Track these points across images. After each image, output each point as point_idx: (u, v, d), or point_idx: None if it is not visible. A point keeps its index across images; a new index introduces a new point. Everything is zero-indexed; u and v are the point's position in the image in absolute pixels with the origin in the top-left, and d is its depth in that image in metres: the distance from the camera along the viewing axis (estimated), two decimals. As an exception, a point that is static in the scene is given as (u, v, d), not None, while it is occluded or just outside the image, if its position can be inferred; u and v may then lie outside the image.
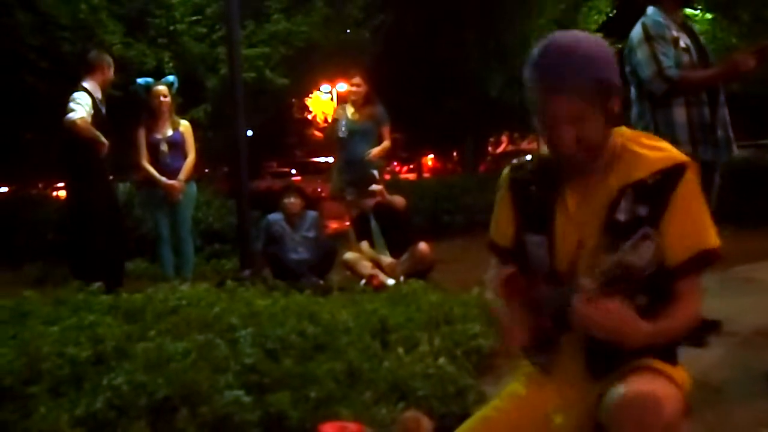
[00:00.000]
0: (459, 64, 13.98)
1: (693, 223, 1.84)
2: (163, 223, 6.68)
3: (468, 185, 12.38)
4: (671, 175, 1.83)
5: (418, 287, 5.09)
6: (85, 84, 6.18)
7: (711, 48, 4.43)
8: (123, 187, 8.32)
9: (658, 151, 1.87)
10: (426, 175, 24.10)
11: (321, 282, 6.49)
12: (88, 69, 6.29)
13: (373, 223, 6.83)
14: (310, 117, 25.98)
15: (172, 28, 9.08)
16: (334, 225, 10.58)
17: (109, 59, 6.44)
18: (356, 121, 7.45)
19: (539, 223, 1.97)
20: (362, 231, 6.89)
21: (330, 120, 24.22)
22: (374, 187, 6.80)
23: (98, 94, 6.24)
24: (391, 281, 6.39)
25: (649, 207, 1.83)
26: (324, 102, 29.12)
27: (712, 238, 1.86)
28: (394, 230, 6.79)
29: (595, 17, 16.96)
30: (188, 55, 9.28)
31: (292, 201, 7.01)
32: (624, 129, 1.94)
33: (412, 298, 4.79)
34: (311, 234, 6.97)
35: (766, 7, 12.00)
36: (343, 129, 7.47)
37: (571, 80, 1.77)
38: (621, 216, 1.84)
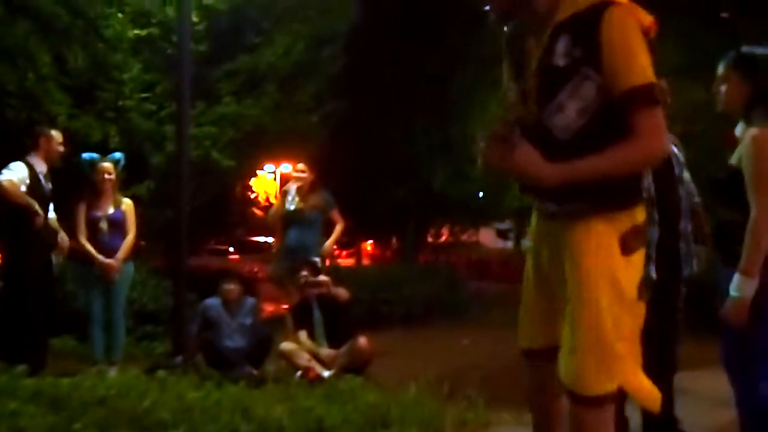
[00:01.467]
0: (406, 155, 14.18)
1: (624, 58, 1.91)
2: (97, 302, 6.49)
3: (407, 275, 12.41)
4: (593, 14, 1.91)
5: (355, 384, 5.02)
6: (30, 158, 6.10)
7: None
8: (56, 260, 8.05)
9: None
10: (365, 261, 24.07)
11: (255, 372, 6.35)
12: (33, 143, 6.20)
13: (316, 313, 6.75)
14: (252, 196, 25.91)
15: (120, 103, 9.01)
16: (270, 308, 10.43)
17: (53, 134, 6.35)
18: (301, 210, 7.44)
19: (518, 71, 2.14)
20: (302, 319, 6.80)
21: (273, 200, 24.30)
22: (321, 278, 6.75)
23: (42, 168, 6.13)
24: (327, 373, 6.30)
25: (582, 47, 1.93)
26: (267, 181, 29.18)
27: (640, 75, 1.91)
28: (335, 321, 6.72)
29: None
30: (135, 131, 9.20)
31: (231, 287, 6.91)
32: None
33: (349, 396, 4.71)
34: (248, 321, 6.85)
35: None
36: (287, 216, 7.45)
37: None
38: (559, 61, 1.96)
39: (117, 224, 6.55)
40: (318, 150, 13.85)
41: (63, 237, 6.31)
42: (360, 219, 18.51)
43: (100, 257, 6.38)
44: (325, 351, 6.58)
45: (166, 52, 9.25)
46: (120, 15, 8.98)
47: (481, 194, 17.08)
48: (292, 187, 7.63)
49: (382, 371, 6.71)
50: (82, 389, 4.10)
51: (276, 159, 17.43)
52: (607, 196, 2.01)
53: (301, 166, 7.63)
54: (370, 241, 27.90)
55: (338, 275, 11.55)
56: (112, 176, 6.59)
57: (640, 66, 1.94)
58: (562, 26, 2.00)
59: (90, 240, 6.45)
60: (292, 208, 7.55)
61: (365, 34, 11.83)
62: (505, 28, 2.20)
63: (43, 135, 6.28)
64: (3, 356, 5.81)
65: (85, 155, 6.70)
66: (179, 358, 5.85)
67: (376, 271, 12.45)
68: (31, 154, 6.15)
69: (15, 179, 5.86)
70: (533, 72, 2.06)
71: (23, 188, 5.91)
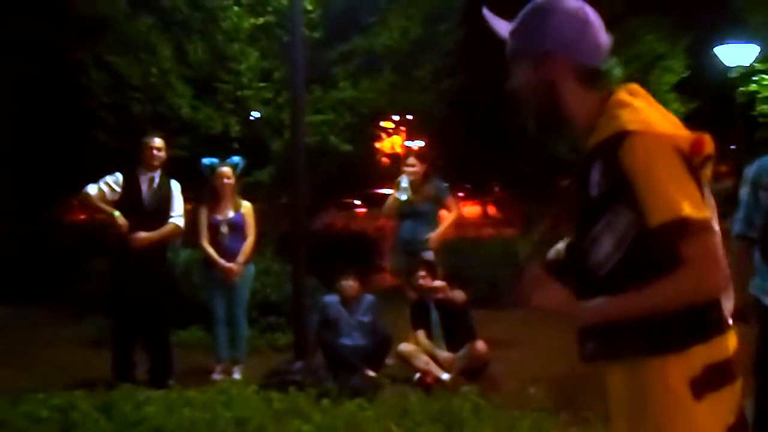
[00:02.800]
0: (523, 127, 13.75)
1: (648, 193, 1.73)
2: (219, 303, 6.67)
3: (528, 248, 12.12)
4: (613, 145, 1.77)
5: (471, 405, 4.91)
6: (137, 167, 6.30)
7: None
8: (184, 254, 8.35)
9: (612, 119, 1.82)
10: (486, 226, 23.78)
11: (373, 374, 6.36)
12: (137, 155, 6.36)
13: (434, 313, 6.68)
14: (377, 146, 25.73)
15: (239, 93, 9.16)
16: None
17: (150, 141, 6.35)
18: (414, 202, 7.33)
19: None
20: (420, 320, 6.75)
21: (398, 149, 24.17)
22: (437, 283, 6.66)
23: (146, 176, 6.28)
24: (445, 376, 6.25)
25: (608, 179, 1.79)
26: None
27: (669, 210, 1.71)
28: (452, 323, 6.63)
29: (668, 78, 16.59)
30: (254, 119, 9.35)
31: (350, 284, 6.91)
32: (624, 92, 1.89)
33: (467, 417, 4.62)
34: (367, 318, 6.85)
35: None
36: (400, 208, 7.35)
37: (513, 24, 1.97)
38: (594, 191, 1.83)
39: (237, 227, 6.67)
40: (437, 126, 13.74)
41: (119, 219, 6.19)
42: (480, 192, 18.34)
43: (222, 261, 6.53)
44: (443, 354, 6.51)
45: (282, 38, 9.27)
46: (236, 8, 9.04)
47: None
48: (405, 179, 7.49)
49: (501, 370, 6.61)
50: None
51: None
52: (659, 332, 1.77)
53: (411, 159, 7.48)
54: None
55: (458, 250, 11.57)
56: (231, 180, 6.70)
57: (667, 200, 1.71)
58: (593, 154, 1.84)
59: (211, 243, 6.61)
60: (405, 200, 7.43)
61: (480, 5, 11.42)
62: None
63: (140, 143, 6.39)
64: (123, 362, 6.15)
65: (205, 160, 6.82)
66: (299, 364, 5.92)
67: (498, 247, 12.20)
68: (137, 162, 6.33)
69: (93, 191, 6.15)
70: (576, 199, 1.92)
71: (110, 197, 6.13)
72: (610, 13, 14.13)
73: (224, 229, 6.62)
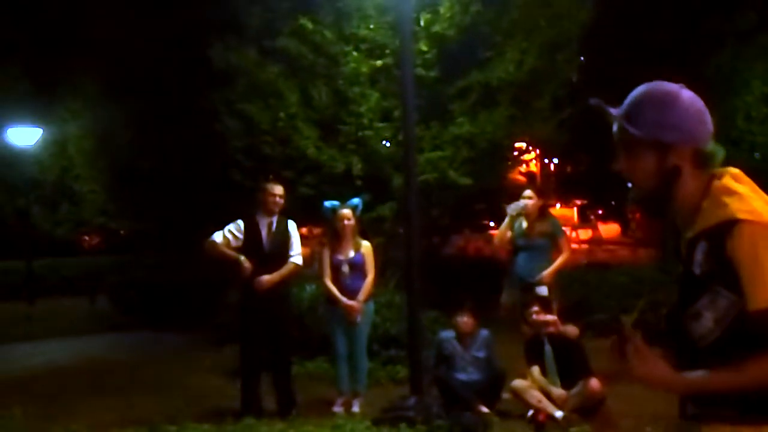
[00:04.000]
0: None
1: (752, 277, 1.84)
2: (341, 339, 6.99)
3: (663, 278, 11.78)
4: (721, 231, 1.89)
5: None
6: (257, 212, 6.76)
7: None
8: (309, 289, 8.79)
9: (720, 207, 1.94)
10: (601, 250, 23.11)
11: (487, 411, 6.49)
12: (258, 200, 6.83)
13: (548, 348, 6.73)
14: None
15: (360, 134, 9.57)
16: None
17: (270, 187, 6.81)
18: (529, 236, 7.42)
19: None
20: (534, 355, 6.81)
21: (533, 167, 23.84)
22: (549, 317, 6.72)
23: (265, 221, 6.73)
24: (559, 414, 6.27)
25: (713, 262, 1.91)
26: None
27: None
28: (566, 358, 6.65)
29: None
30: (375, 156, 9.72)
31: (465, 320, 7.06)
32: (728, 179, 2.00)
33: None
34: (482, 354, 6.98)
35: None
36: (515, 241, 7.45)
37: (626, 113, 2.03)
38: (697, 269, 1.94)
39: (358, 267, 6.98)
40: (562, 151, 13.67)
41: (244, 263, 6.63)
42: (618, 212, 17.84)
43: (344, 299, 6.86)
44: (557, 390, 6.53)
45: (400, 78, 9.61)
46: (355, 53, 9.47)
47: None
48: (513, 207, 7.57)
49: (618, 408, 6.56)
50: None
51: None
52: (754, 403, 1.90)
53: (528, 192, 7.57)
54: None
55: (585, 279, 11.44)
56: (352, 221, 7.02)
57: None
58: (698, 237, 1.96)
59: (334, 282, 6.95)
60: (520, 233, 7.53)
61: (600, 34, 11.36)
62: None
63: (260, 189, 6.87)
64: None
65: (327, 203, 7.17)
66: (412, 400, 6.15)
67: (626, 275, 11.97)
68: (257, 208, 6.80)
69: (218, 239, 6.69)
70: (680, 273, 2.04)
71: (234, 243, 6.65)
72: (747, 26, 13.72)
73: (345, 268, 6.94)
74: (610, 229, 29.52)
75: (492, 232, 26.39)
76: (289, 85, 9.67)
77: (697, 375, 1.93)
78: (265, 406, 6.64)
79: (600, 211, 26.01)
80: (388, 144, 9.87)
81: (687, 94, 2.02)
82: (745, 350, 1.87)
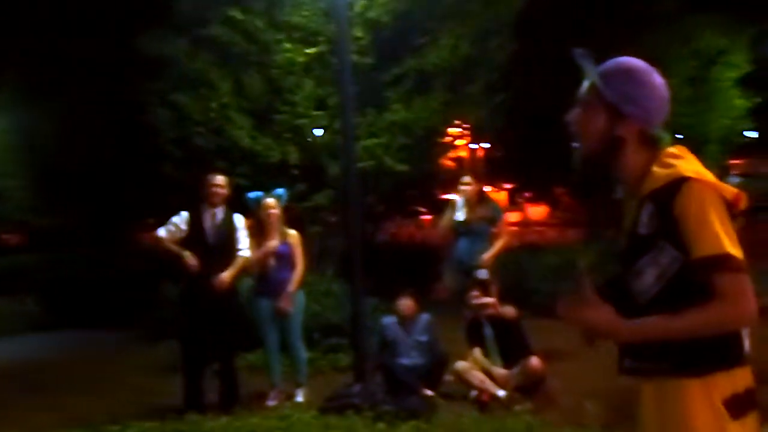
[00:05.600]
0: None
1: (698, 230, 1.95)
2: (272, 333, 6.94)
3: (592, 259, 12.08)
4: (670, 189, 2.00)
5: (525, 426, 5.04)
6: (201, 204, 6.64)
7: None
8: (247, 282, 8.68)
9: (667, 168, 2.05)
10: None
11: (431, 394, 6.54)
12: (200, 193, 6.71)
13: (488, 330, 6.83)
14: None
15: (296, 122, 9.48)
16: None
17: (212, 179, 6.69)
18: (469, 221, 7.49)
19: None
20: (475, 337, 6.91)
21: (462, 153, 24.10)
22: (487, 299, 6.82)
23: (209, 213, 6.61)
24: (502, 393, 6.38)
25: (659, 220, 2.01)
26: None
27: (715, 245, 1.94)
28: (506, 339, 6.77)
29: (730, 73, 16.29)
30: (311, 145, 9.65)
31: (407, 304, 7.12)
32: (671, 150, 2.12)
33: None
34: (424, 338, 7.04)
35: None
36: (455, 227, 7.52)
37: (599, 74, 2.13)
38: (642, 230, 2.06)
39: (284, 257, 6.91)
40: (497, 137, 13.85)
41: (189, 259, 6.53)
42: (546, 195, 18.22)
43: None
44: (499, 370, 6.64)
45: (336, 66, 9.56)
46: (288, 45, 9.37)
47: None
48: (459, 199, 7.67)
49: (557, 385, 6.68)
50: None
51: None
52: (688, 356, 2.00)
53: (467, 178, 7.64)
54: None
55: (518, 261, 11.63)
56: (276, 211, 6.93)
57: (713, 236, 1.94)
58: (645, 198, 2.07)
59: (260, 273, 6.89)
60: (460, 219, 7.60)
61: (532, 20, 11.51)
62: (618, 191, 2.26)
63: (202, 181, 6.74)
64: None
65: (251, 194, 7.09)
66: (357, 387, 6.15)
67: (558, 257, 12.21)
68: (201, 199, 6.68)
69: (162, 233, 6.60)
70: (625, 236, 2.15)
71: (179, 236, 6.54)
72: (669, 11, 14.13)
73: (271, 260, 6.87)
74: (538, 212, 30.13)
75: (423, 218, 26.67)
76: (221, 75, 9.51)
77: (637, 321, 2.03)
78: (206, 401, 6.55)
79: (527, 194, 26.45)
80: (319, 132, 9.78)
81: (659, 80, 2.15)
82: (682, 306, 1.97)
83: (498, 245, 7.48)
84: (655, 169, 2.07)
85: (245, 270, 7.00)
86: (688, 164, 2.07)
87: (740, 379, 2.02)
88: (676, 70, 15.31)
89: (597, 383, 6.79)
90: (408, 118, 9.79)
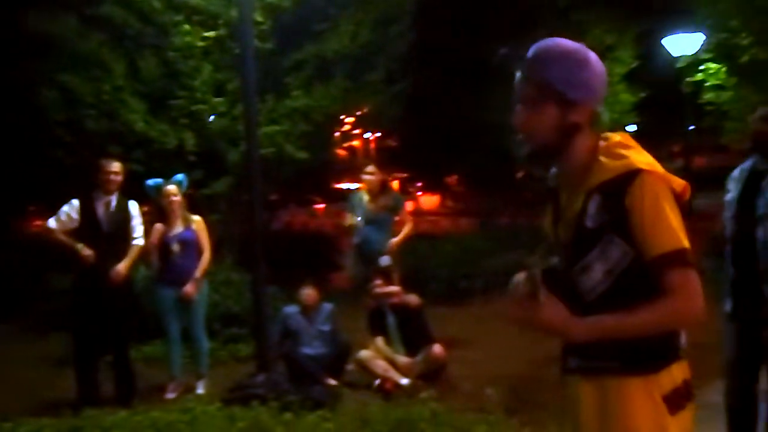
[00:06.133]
0: (481, 121, 14.01)
1: (652, 225, 1.92)
2: (174, 323, 6.77)
3: (486, 246, 12.39)
4: (621, 181, 1.95)
5: (429, 412, 5.10)
6: (94, 191, 6.37)
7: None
8: (143, 271, 8.42)
9: (618, 159, 1.99)
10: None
11: (334, 383, 6.54)
12: (93, 179, 6.44)
13: (390, 319, 6.88)
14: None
15: (194, 107, 9.25)
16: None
17: (107, 164, 6.41)
18: (372, 211, 7.51)
19: (555, 219, 2.17)
20: (377, 326, 6.94)
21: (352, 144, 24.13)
22: (392, 288, 6.86)
23: (103, 200, 6.36)
24: (404, 381, 6.44)
25: (609, 212, 1.96)
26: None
27: (671, 241, 1.92)
28: (409, 327, 6.83)
29: (617, 69, 16.96)
30: (209, 131, 9.44)
31: (309, 293, 7.08)
32: (612, 136, 2.07)
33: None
34: (326, 327, 7.02)
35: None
36: (359, 218, 7.54)
37: (533, 66, 2.02)
38: (589, 223, 1.99)
39: (189, 243, 6.72)
40: (395, 126, 13.96)
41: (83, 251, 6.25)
42: (438, 183, 18.57)
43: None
44: (402, 358, 6.70)
45: (235, 51, 9.38)
46: (187, 26, 9.11)
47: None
48: (357, 196, 7.70)
49: (458, 372, 6.83)
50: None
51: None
52: (636, 354, 1.99)
53: (370, 168, 7.66)
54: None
55: (415, 249, 11.77)
56: (178, 197, 6.75)
57: (669, 231, 1.93)
58: (594, 190, 2.01)
59: (163, 261, 6.68)
60: (364, 206, 7.61)
61: (431, 9, 11.64)
62: (549, 179, 2.20)
63: (96, 167, 6.44)
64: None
65: (150, 182, 6.87)
66: (261, 377, 6.06)
67: (455, 245, 12.46)
68: (94, 186, 6.40)
69: (54, 224, 6.28)
70: (568, 229, 2.08)
71: (71, 225, 6.24)
72: (559, 7, 14.56)
73: (175, 246, 6.67)
74: (429, 201, 30.62)
75: (316, 207, 26.61)
76: (114, 56, 9.15)
77: (595, 320, 1.98)
78: (101, 394, 6.32)
79: (419, 184, 26.84)
80: (213, 118, 9.55)
81: (593, 55, 2.06)
82: (630, 302, 1.94)
83: (402, 234, 7.54)
84: (604, 159, 2.01)
85: (141, 259, 6.78)
86: (640, 155, 2.01)
87: (679, 372, 2.03)
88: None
89: (495, 370, 6.99)
90: (309, 105, 9.72)
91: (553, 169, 2.17)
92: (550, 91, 2.01)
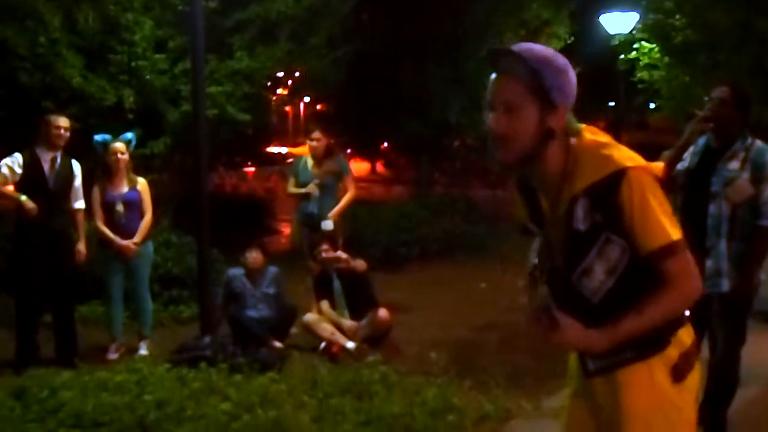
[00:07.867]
0: (419, 89, 14.04)
1: (645, 220, 1.99)
2: (116, 284, 6.67)
3: (423, 213, 12.55)
4: (610, 182, 1.99)
5: (377, 376, 5.18)
6: (37, 146, 6.17)
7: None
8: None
9: (602, 160, 2.02)
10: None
11: (280, 345, 6.56)
12: (36, 130, 6.24)
13: (336, 283, 6.92)
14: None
15: (133, 64, 8.97)
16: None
17: (54, 119, 6.24)
18: (316, 176, 7.48)
19: (537, 218, 2.20)
20: (323, 290, 6.98)
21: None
22: (339, 254, 6.89)
23: (48, 156, 6.17)
24: (350, 344, 6.50)
25: (601, 211, 2.00)
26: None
27: (664, 235, 2.00)
28: (355, 292, 6.89)
29: (553, 44, 17.21)
30: (149, 89, 9.18)
31: (254, 256, 7.05)
32: (589, 135, 2.10)
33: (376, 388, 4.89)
34: (272, 290, 7.02)
35: (721, 52, 12.36)
36: (315, 187, 7.46)
37: (524, 68, 1.99)
38: (580, 225, 2.04)
39: (133, 204, 6.61)
40: (333, 90, 13.87)
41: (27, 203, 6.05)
42: (370, 150, 18.54)
43: (117, 240, 6.49)
44: (347, 322, 6.77)
45: (177, 7, 9.14)
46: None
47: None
48: (301, 161, 7.66)
49: (402, 336, 6.95)
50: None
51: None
52: (650, 343, 2.08)
53: (316, 133, 7.61)
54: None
55: (353, 215, 11.82)
56: (125, 156, 6.60)
57: (658, 226, 2.00)
58: (580, 194, 2.04)
59: (107, 222, 6.53)
60: (309, 171, 7.57)
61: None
62: (530, 179, 2.22)
63: (43, 121, 6.24)
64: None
65: (98, 137, 6.69)
66: (207, 339, 6.03)
67: (392, 211, 12.55)
68: (38, 142, 6.20)
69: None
70: (558, 232, 2.12)
71: (11, 179, 6.04)
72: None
73: (120, 207, 6.53)
74: (359, 167, 30.61)
75: (246, 169, 26.21)
76: (49, 7, 8.74)
77: (610, 329, 2.03)
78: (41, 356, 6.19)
79: (349, 150, 26.72)
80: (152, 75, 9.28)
81: (566, 61, 2.08)
82: (635, 297, 2.01)
83: (346, 199, 7.54)
84: (586, 162, 2.03)
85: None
86: (619, 152, 2.04)
87: (686, 336, 2.13)
88: (504, 39, 15.99)
89: (437, 334, 7.14)
90: (252, 67, 9.55)
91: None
92: (537, 93, 2.01)
